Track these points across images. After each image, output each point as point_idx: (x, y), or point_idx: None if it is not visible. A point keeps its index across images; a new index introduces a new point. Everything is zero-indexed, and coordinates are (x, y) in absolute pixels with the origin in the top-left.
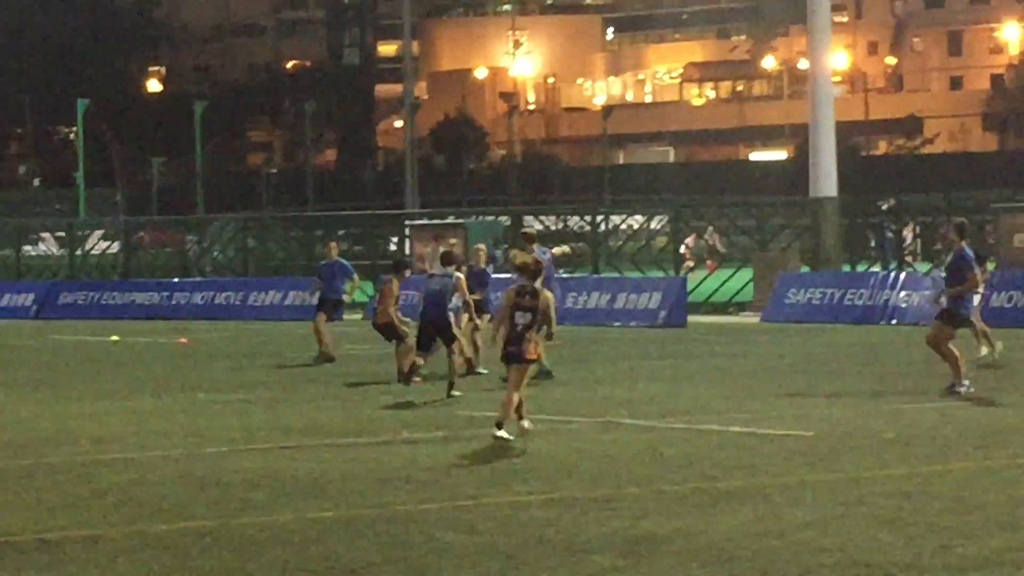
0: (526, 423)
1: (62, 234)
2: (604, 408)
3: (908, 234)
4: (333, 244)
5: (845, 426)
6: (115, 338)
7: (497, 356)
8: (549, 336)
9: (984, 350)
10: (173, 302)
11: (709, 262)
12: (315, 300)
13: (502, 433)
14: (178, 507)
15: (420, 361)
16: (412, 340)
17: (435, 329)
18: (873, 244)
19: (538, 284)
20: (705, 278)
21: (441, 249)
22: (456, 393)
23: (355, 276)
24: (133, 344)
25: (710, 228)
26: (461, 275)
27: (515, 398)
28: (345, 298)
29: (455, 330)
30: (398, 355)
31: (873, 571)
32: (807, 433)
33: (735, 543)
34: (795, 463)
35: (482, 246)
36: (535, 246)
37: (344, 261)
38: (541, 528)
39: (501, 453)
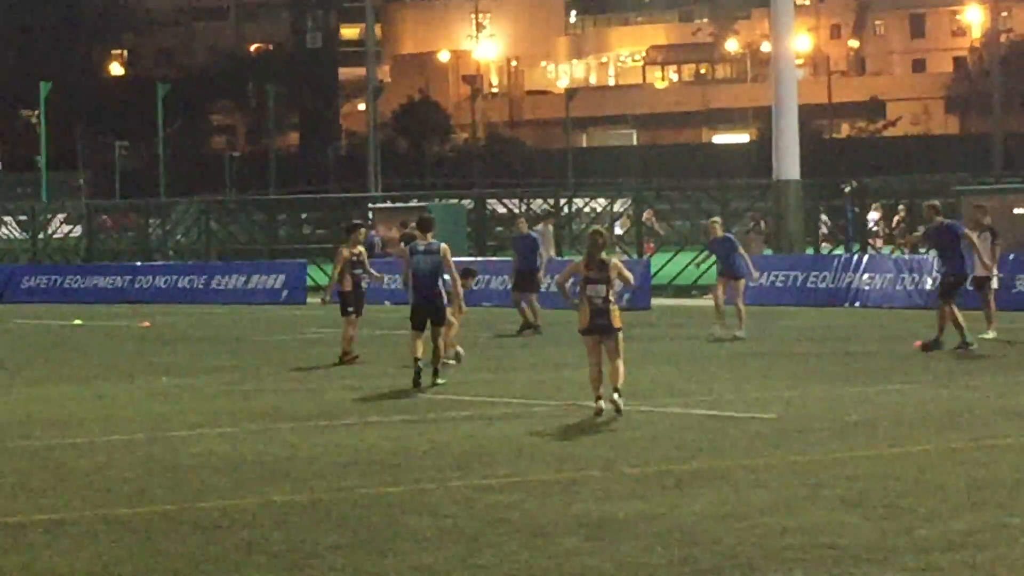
0: (618, 397)
1: (24, 218)
2: (567, 391)
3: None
4: (523, 220)
5: (808, 409)
6: (78, 322)
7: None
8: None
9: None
10: (136, 286)
11: (648, 244)
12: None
13: (618, 398)
14: (141, 491)
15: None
16: (354, 318)
17: (429, 310)
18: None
19: (604, 255)
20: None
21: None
22: (441, 381)
23: (542, 250)
24: (96, 328)
25: (648, 210)
26: (446, 246)
27: (620, 365)
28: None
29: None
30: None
31: (836, 553)
32: (770, 416)
33: (698, 526)
34: (758, 446)
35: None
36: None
37: (534, 234)
38: (504, 511)
39: (463, 437)
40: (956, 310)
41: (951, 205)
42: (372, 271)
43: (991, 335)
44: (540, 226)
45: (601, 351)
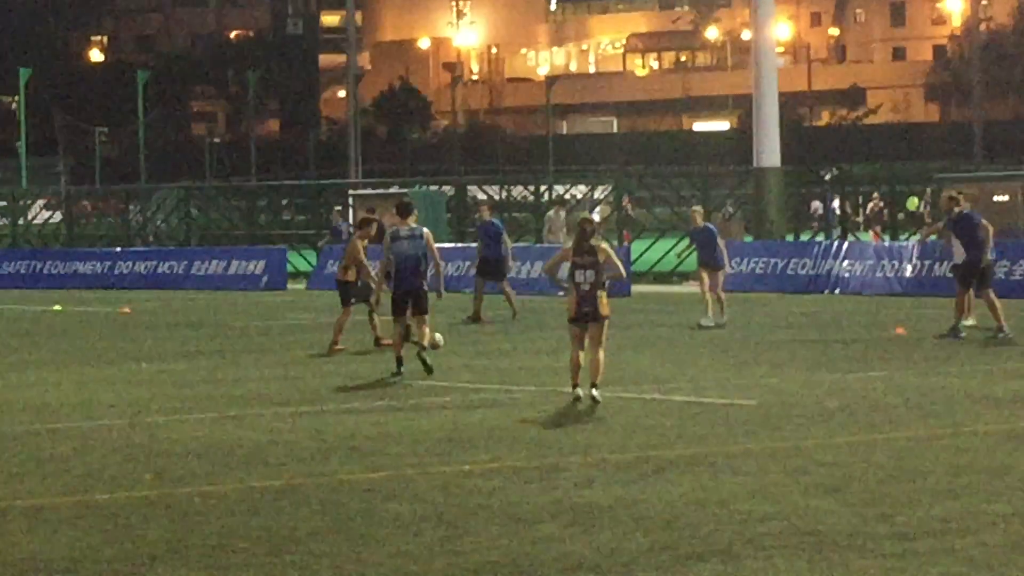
0: (596, 393)
1: (3, 203)
2: (548, 378)
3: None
4: (486, 207)
5: (788, 395)
6: (58, 307)
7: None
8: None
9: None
10: (116, 271)
11: (625, 231)
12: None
13: (596, 393)
14: (120, 476)
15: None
16: (349, 309)
17: (411, 297)
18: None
19: (594, 241)
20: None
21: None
22: (427, 368)
23: (505, 236)
24: (75, 314)
25: (625, 197)
26: (429, 231)
27: (601, 356)
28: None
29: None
30: (337, 321)
31: (816, 539)
32: (750, 402)
33: (678, 512)
34: (738, 432)
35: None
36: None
37: (497, 220)
38: (484, 497)
39: (443, 423)
40: (967, 297)
41: (931, 192)
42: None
43: (970, 322)
44: (552, 212)
45: (585, 340)
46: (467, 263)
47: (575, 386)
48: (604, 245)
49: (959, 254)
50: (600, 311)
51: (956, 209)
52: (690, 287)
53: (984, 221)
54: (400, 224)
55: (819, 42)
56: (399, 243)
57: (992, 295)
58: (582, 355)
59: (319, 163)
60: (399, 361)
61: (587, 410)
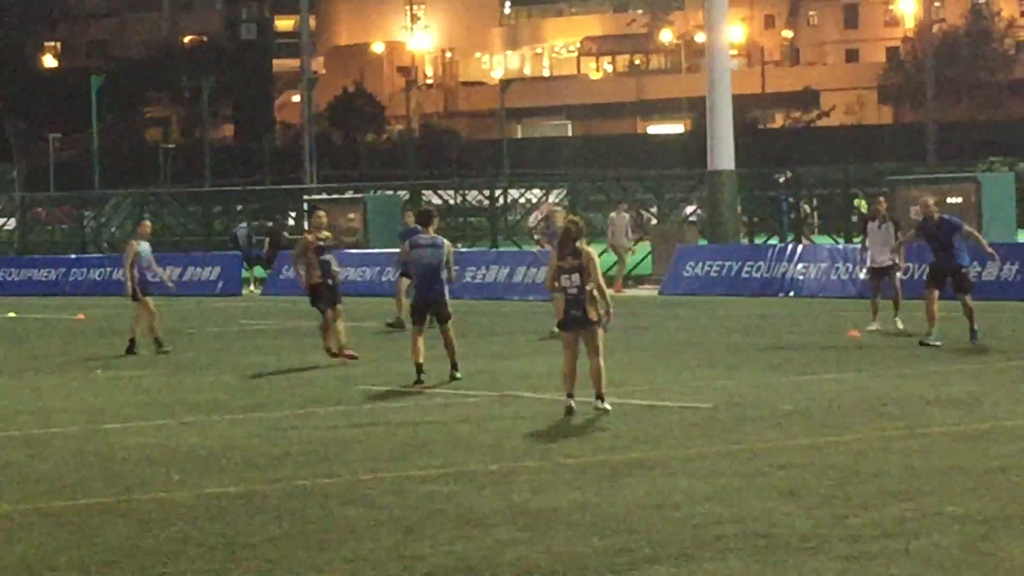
0: (606, 404)
1: None
2: (502, 382)
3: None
4: (410, 212)
5: (743, 398)
6: (12, 314)
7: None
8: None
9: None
10: (70, 278)
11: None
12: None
13: (601, 404)
14: (75, 484)
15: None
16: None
17: (431, 306)
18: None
19: (579, 244)
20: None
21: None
22: (459, 375)
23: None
24: (30, 321)
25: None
26: (449, 242)
27: (601, 364)
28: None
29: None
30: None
31: (771, 542)
32: (706, 405)
33: (634, 515)
34: (694, 435)
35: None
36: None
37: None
38: (440, 502)
39: (399, 428)
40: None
41: (884, 194)
42: (161, 271)
43: (873, 327)
44: (614, 213)
45: (578, 347)
46: None
47: (569, 395)
48: (589, 249)
49: (879, 259)
50: (588, 316)
51: (936, 216)
52: (640, 290)
53: (967, 227)
54: (422, 232)
55: (772, 44)
56: (418, 251)
57: (969, 300)
58: (575, 362)
59: (274, 168)
60: (419, 369)
61: (543, 414)
